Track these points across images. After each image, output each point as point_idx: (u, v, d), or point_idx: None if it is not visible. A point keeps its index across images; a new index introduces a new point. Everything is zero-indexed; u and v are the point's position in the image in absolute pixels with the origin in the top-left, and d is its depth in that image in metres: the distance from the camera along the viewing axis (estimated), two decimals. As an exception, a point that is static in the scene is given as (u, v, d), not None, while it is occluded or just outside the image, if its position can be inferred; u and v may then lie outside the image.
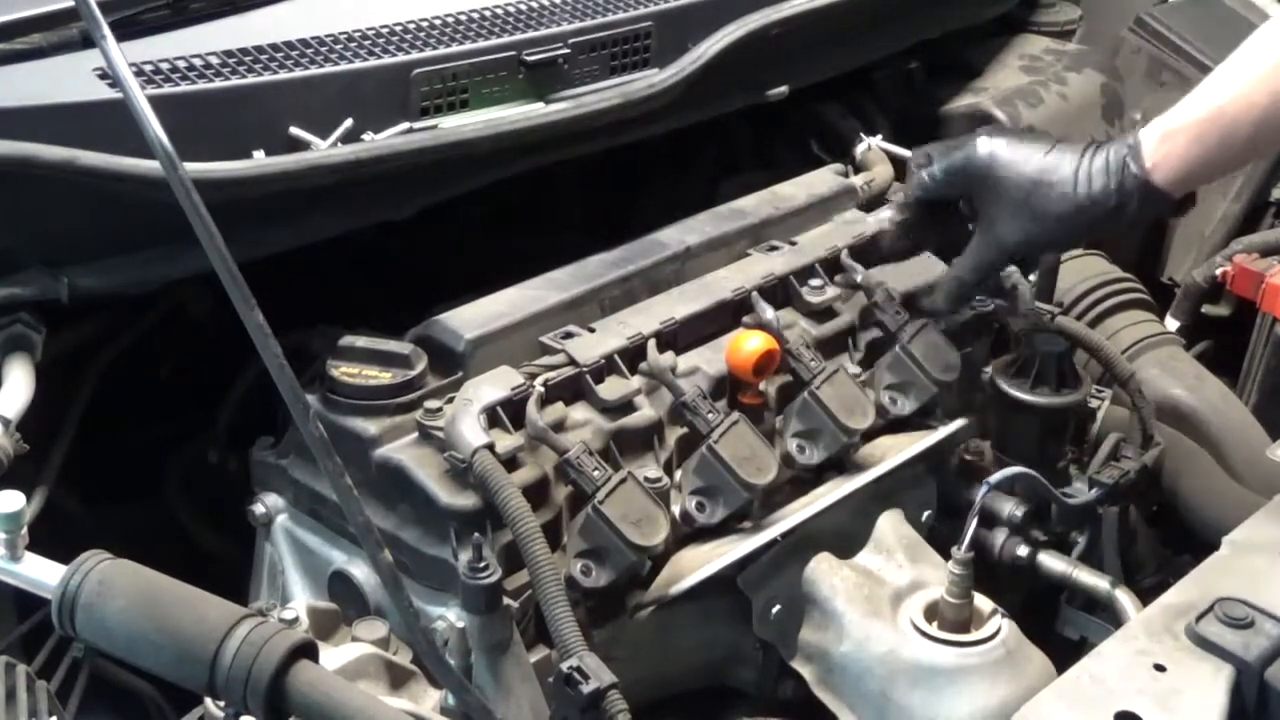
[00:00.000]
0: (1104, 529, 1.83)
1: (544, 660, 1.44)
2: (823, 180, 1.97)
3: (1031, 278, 1.99)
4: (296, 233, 1.61)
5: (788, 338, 1.66)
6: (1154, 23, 2.47)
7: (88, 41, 1.42)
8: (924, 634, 1.53)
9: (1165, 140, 1.56)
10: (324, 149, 1.54)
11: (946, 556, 1.56)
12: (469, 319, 1.58)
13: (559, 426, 1.51)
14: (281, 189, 1.51)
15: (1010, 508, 1.73)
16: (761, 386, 1.64)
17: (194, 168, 1.36)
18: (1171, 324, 2.25)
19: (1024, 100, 2.30)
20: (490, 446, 1.41)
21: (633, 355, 1.60)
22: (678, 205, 1.88)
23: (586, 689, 1.28)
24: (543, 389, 1.52)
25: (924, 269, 1.89)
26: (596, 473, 1.45)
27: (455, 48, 1.67)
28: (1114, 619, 1.68)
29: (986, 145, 1.64)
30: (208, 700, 1.26)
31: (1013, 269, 1.91)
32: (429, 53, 1.65)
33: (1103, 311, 2.14)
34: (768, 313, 1.68)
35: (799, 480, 1.66)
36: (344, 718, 1.09)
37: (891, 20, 2.21)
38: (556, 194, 2.19)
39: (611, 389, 1.57)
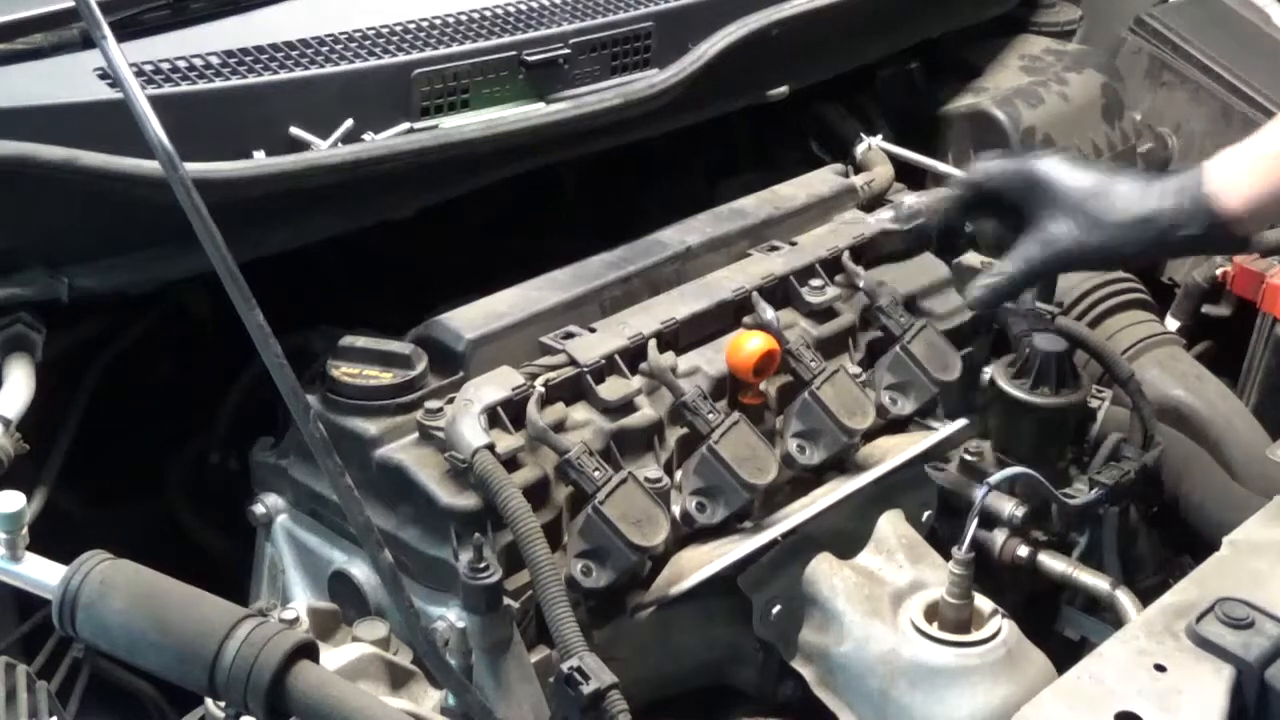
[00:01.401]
0: (1104, 529, 1.83)
1: (544, 660, 1.44)
2: (823, 180, 1.97)
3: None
4: (297, 233, 1.61)
5: (788, 338, 1.67)
6: (1154, 23, 2.47)
7: (88, 41, 1.42)
8: (924, 634, 1.53)
9: (1236, 172, 1.48)
10: (324, 149, 1.54)
11: (947, 557, 1.56)
12: (469, 319, 1.58)
13: (559, 427, 1.51)
14: (282, 189, 1.51)
15: (1011, 508, 1.73)
16: (762, 387, 1.65)
17: (194, 168, 1.35)
18: (1172, 324, 2.25)
19: (1024, 100, 2.30)
20: (491, 447, 1.41)
21: (633, 355, 1.60)
22: (678, 205, 1.88)
23: (587, 689, 1.29)
24: (543, 389, 1.52)
25: (924, 270, 1.90)
26: (597, 473, 1.46)
27: (456, 48, 1.67)
28: (1114, 619, 1.68)
29: (1047, 159, 1.58)
30: (208, 700, 1.26)
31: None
32: (429, 53, 1.65)
33: (1103, 311, 2.14)
34: (768, 313, 1.68)
35: (799, 480, 1.66)
36: (344, 718, 1.09)
37: (892, 21, 2.21)
38: (557, 194, 2.19)
39: (612, 389, 1.57)
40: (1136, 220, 1.51)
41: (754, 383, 1.63)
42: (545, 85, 1.75)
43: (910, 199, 1.96)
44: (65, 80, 1.44)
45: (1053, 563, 1.73)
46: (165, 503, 1.88)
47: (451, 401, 1.48)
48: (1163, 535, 1.96)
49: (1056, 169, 1.56)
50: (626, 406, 1.57)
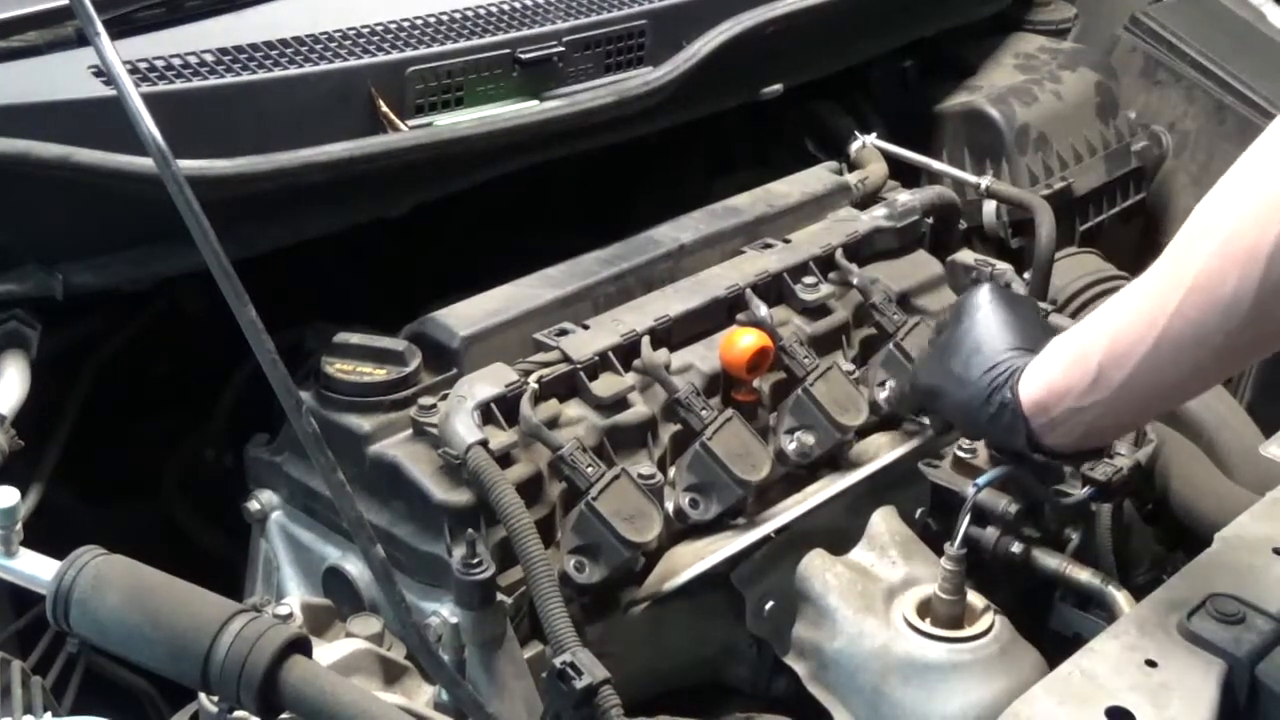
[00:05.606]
0: (1097, 526, 1.83)
1: (538, 656, 1.44)
2: (817, 178, 1.97)
3: (1026, 275, 2.00)
4: (291, 230, 1.61)
5: (781, 335, 1.67)
6: (1149, 21, 2.47)
7: (83, 39, 1.42)
8: (917, 630, 1.53)
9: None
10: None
11: (940, 553, 1.56)
12: (463, 316, 1.58)
13: (553, 423, 1.52)
14: (276, 186, 1.51)
15: (1003, 505, 1.72)
16: (755, 383, 1.65)
17: (188, 165, 1.36)
18: (1166, 322, 2.25)
19: (1019, 99, 2.31)
20: (484, 443, 1.41)
21: (627, 352, 1.61)
22: (672, 203, 1.88)
23: (579, 684, 1.28)
24: (537, 386, 1.52)
25: (918, 267, 1.90)
26: (590, 469, 1.46)
27: (450, 45, 1.67)
28: (1107, 615, 1.68)
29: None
30: (202, 695, 1.26)
31: (1006, 266, 1.91)
32: (424, 50, 1.65)
33: (1097, 309, 2.13)
34: (761, 310, 1.69)
35: (792, 477, 1.66)
36: (337, 712, 1.09)
37: (886, 19, 2.21)
38: (551, 192, 2.19)
39: (605, 386, 1.57)
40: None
41: (747, 379, 1.63)
42: (539, 83, 1.75)
43: (904, 197, 1.97)
44: (60, 78, 1.44)
45: (1045, 559, 1.73)
46: (161, 499, 1.88)
47: (445, 398, 1.48)
48: (1156, 532, 1.97)
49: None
50: (620, 403, 1.57)
